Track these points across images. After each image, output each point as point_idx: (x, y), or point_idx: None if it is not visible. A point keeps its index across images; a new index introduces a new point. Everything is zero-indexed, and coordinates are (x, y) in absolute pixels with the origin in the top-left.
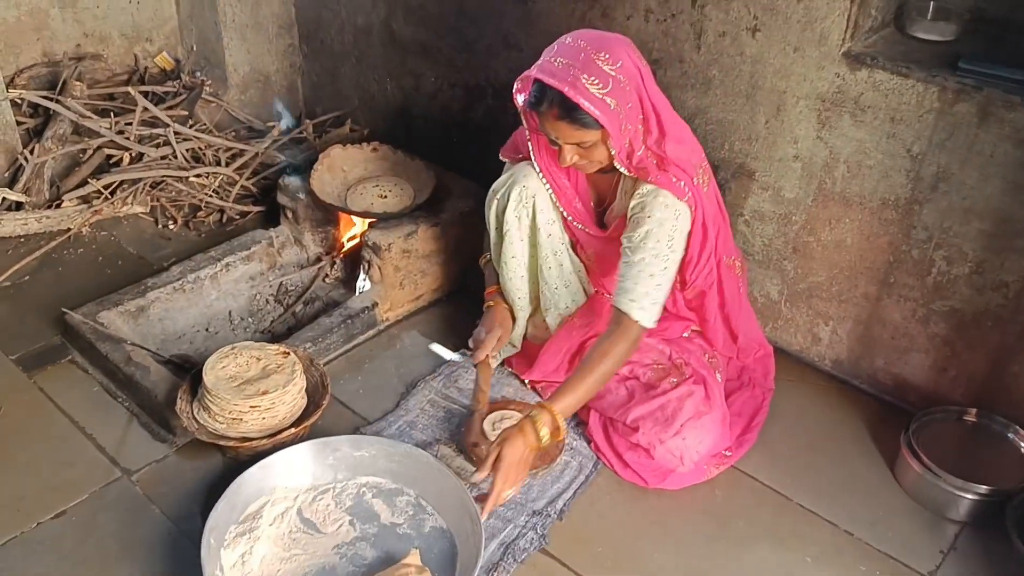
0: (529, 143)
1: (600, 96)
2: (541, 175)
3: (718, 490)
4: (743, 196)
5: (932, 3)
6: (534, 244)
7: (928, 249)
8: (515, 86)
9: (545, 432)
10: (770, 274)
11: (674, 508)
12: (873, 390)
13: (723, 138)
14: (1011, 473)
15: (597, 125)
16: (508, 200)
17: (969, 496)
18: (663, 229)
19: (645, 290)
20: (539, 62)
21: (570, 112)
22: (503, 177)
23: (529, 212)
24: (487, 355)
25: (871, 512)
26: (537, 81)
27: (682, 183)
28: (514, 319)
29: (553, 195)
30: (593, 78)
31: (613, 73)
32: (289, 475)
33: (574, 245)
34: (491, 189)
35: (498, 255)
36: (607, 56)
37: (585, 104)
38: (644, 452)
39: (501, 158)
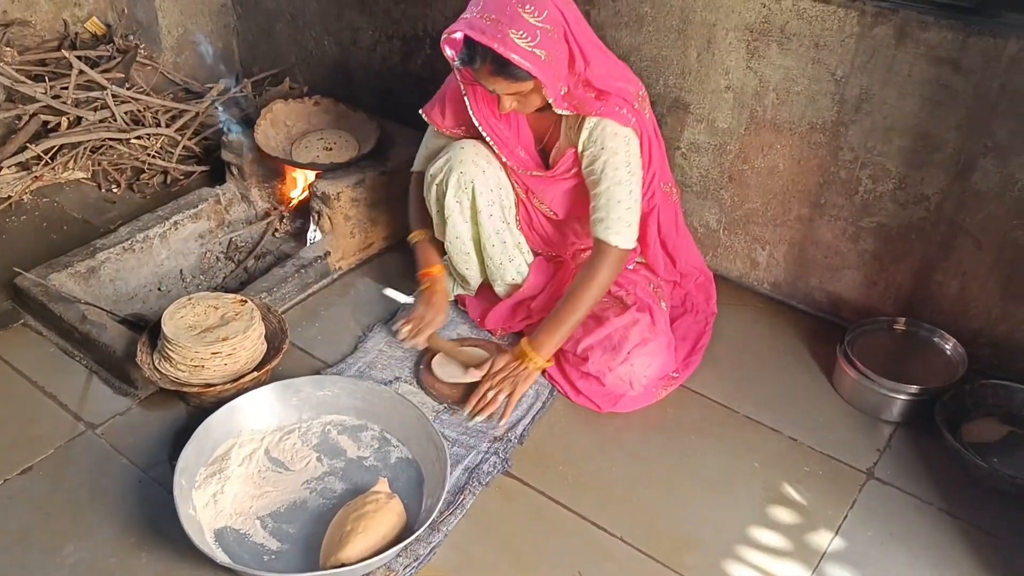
0: (465, 97)
1: (530, 49)
2: (482, 140)
3: (668, 408)
4: (679, 129)
5: None
6: (476, 224)
7: (855, 169)
8: (442, 38)
9: (540, 362)
10: (708, 204)
11: (627, 427)
12: (810, 308)
13: (657, 74)
14: (939, 374)
15: (530, 76)
16: (447, 187)
17: (901, 397)
18: (618, 156)
19: (617, 215)
20: (467, 16)
21: (503, 67)
22: (440, 162)
23: (469, 196)
24: (429, 335)
25: (812, 419)
26: (467, 38)
27: (624, 110)
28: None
29: (497, 148)
30: (522, 31)
31: (540, 24)
32: (254, 417)
33: (516, 203)
34: (429, 171)
35: (442, 234)
36: (532, 8)
37: (516, 59)
38: (595, 380)
39: (423, 115)
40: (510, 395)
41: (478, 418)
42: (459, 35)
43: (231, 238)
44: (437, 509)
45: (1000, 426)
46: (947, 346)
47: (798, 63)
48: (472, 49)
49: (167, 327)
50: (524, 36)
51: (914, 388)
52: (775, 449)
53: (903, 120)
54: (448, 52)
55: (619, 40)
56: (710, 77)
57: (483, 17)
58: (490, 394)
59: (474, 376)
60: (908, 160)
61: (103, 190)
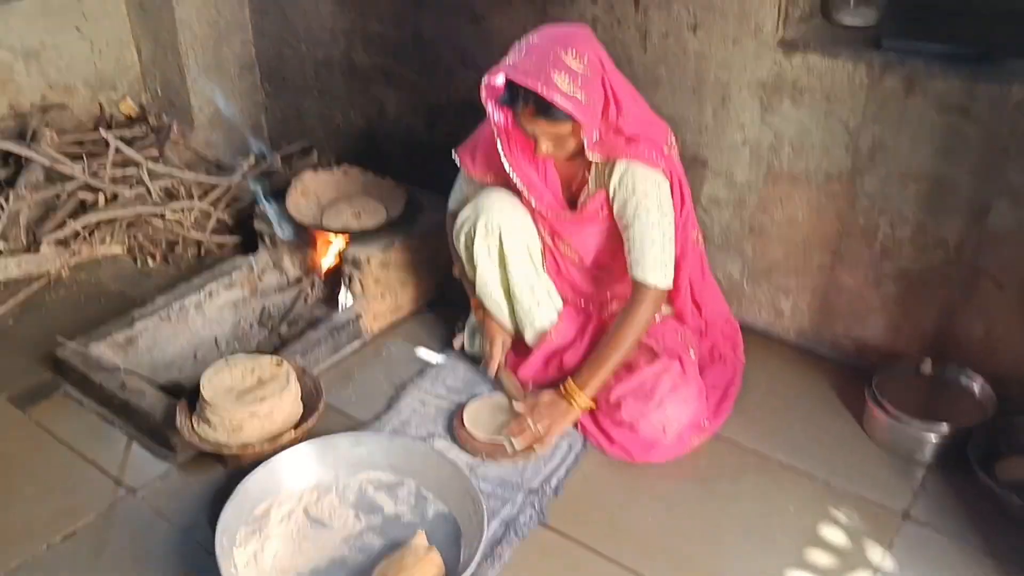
0: (498, 141)
1: (571, 92)
2: (508, 187)
3: (702, 457)
4: (699, 184)
5: None
6: (504, 269)
7: (873, 216)
8: (484, 80)
9: (584, 402)
10: (731, 256)
11: (661, 477)
12: (836, 355)
13: (675, 132)
14: (969, 413)
15: (570, 118)
16: (475, 233)
17: (934, 437)
18: (649, 199)
19: (653, 255)
20: (510, 61)
21: (545, 109)
22: (467, 209)
23: (496, 242)
24: (499, 363)
25: (845, 462)
26: (509, 81)
27: (653, 154)
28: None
29: (526, 191)
30: (564, 75)
31: (581, 69)
32: (292, 476)
33: (543, 251)
34: (458, 219)
35: (472, 279)
36: (574, 52)
37: (559, 101)
38: (629, 428)
39: (455, 158)
40: (549, 428)
41: (516, 442)
42: (501, 80)
43: (264, 305)
44: (475, 561)
45: None
46: (975, 386)
47: (811, 116)
48: (515, 91)
49: (206, 390)
50: (566, 79)
51: (945, 428)
52: (810, 493)
53: (917, 167)
54: (487, 91)
55: None
56: (726, 133)
57: (527, 60)
58: (531, 424)
59: (514, 414)
60: (925, 205)
61: (139, 263)
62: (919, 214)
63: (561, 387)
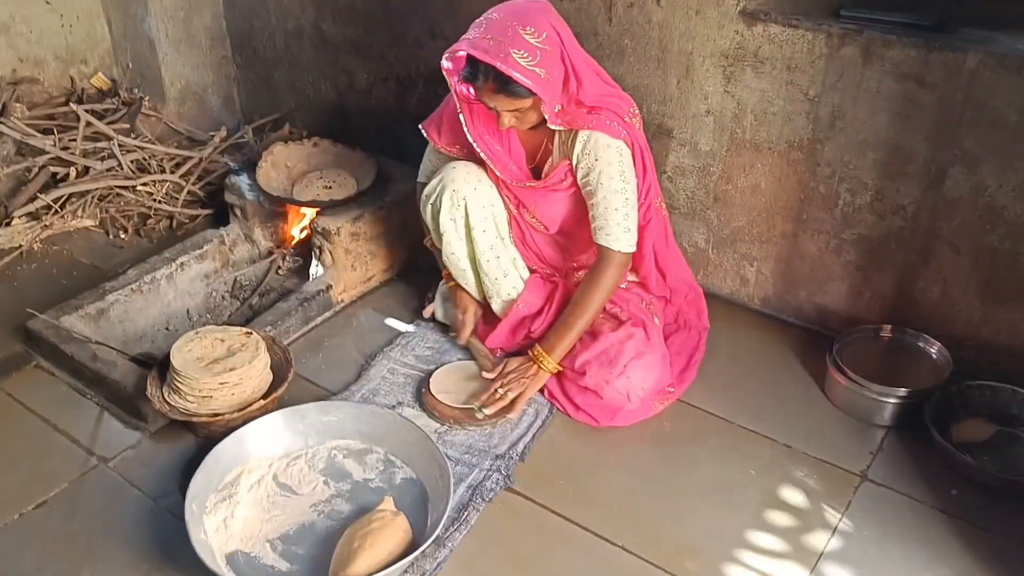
0: (460, 115)
1: (530, 68)
2: (474, 160)
3: (665, 421)
4: (664, 154)
5: None
6: (470, 240)
7: (833, 183)
8: (444, 56)
9: (551, 365)
10: (696, 224)
11: (625, 440)
12: (799, 321)
13: (640, 102)
14: (926, 377)
15: (530, 94)
16: (441, 205)
17: (891, 400)
18: (612, 167)
19: (616, 221)
20: (470, 36)
21: (505, 85)
22: (433, 182)
23: (463, 212)
24: (471, 331)
25: (806, 426)
26: (470, 56)
27: (614, 123)
28: None
29: (490, 162)
30: (523, 51)
31: (540, 44)
32: (262, 444)
33: (509, 220)
34: (423, 193)
35: (439, 250)
36: (532, 29)
37: (517, 76)
38: (593, 394)
39: (422, 129)
40: (520, 394)
41: (487, 411)
42: (462, 54)
43: (236, 277)
44: (441, 524)
45: (987, 425)
46: (932, 350)
47: (772, 85)
48: (475, 67)
49: (176, 359)
50: (525, 55)
51: (903, 391)
52: (771, 456)
53: (875, 135)
54: (446, 65)
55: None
56: (690, 103)
57: (486, 37)
58: (500, 391)
59: (483, 380)
60: (883, 172)
61: (111, 236)
62: (878, 181)
63: (529, 352)
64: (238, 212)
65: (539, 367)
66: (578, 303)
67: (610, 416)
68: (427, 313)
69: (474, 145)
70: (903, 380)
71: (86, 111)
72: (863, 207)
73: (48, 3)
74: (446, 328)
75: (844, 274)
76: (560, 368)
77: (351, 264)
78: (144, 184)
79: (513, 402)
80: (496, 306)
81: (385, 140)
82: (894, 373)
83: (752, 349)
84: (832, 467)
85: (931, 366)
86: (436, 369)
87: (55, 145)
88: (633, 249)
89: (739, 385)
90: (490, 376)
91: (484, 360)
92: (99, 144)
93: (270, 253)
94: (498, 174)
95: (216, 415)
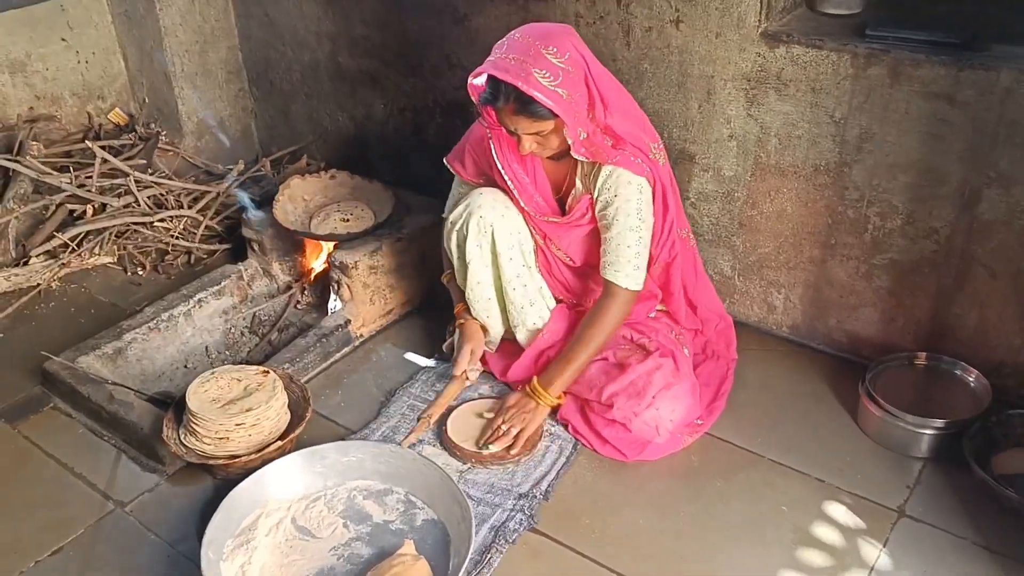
0: (491, 142)
1: (552, 88)
2: (504, 179)
3: (694, 456)
4: (687, 179)
5: None
6: (497, 267)
7: (862, 207)
8: (470, 78)
9: (550, 400)
10: (721, 251)
11: (653, 476)
12: (830, 349)
13: (661, 127)
14: (963, 406)
15: (551, 115)
16: (467, 231)
17: (928, 432)
18: (630, 204)
19: (626, 258)
20: (491, 58)
21: (526, 106)
22: (459, 208)
23: (489, 240)
24: (464, 370)
25: (839, 459)
26: (491, 77)
27: (638, 160)
28: (485, 331)
29: (516, 192)
30: (544, 71)
31: (562, 65)
32: (280, 486)
33: (536, 250)
34: (448, 220)
35: (463, 280)
36: (555, 49)
37: (539, 97)
38: (621, 427)
39: (447, 164)
40: (521, 430)
41: (492, 447)
42: (483, 79)
43: (254, 312)
44: (463, 568)
45: None
46: (970, 378)
47: (797, 108)
48: (496, 88)
49: (191, 401)
50: (547, 75)
51: (940, 422)
52: (803, 491)
53: (905, 156)
54: (476, 83)
55: None
56: (712, 127)
57: (507, 57)
58: (503, 428)
59: (485, 416)
60: (914, 195)
61: (129, 273)
62: (909, 204)
63: (526, 386)
64: (256, 247)
65: (538, 402)
66: (580, 338)
67: (638, 450)
68: (447, 348)
69: (502, 172)
70: (940, 410)
71: (102, 147)
72: (894, 231)
73: (64, 40)
74: None
75: (876, 300)
76: (560, 402)
77: (370, 298)
78: (161, 220)
79: (517, 437)
80: (521, 336)
81: (403, 171)
82: (931, 402)
83: (782, 378)
84: (868, 502)
85: (969, 395)
86: (455, 408)
87: (72, 183)
88: (639, 287)
89: (769, 417)
90: (490, 415)
91: (437, 401)
92: (116, 181)
93: (288, 287)
94: (523, 205)
95: (233, 457)
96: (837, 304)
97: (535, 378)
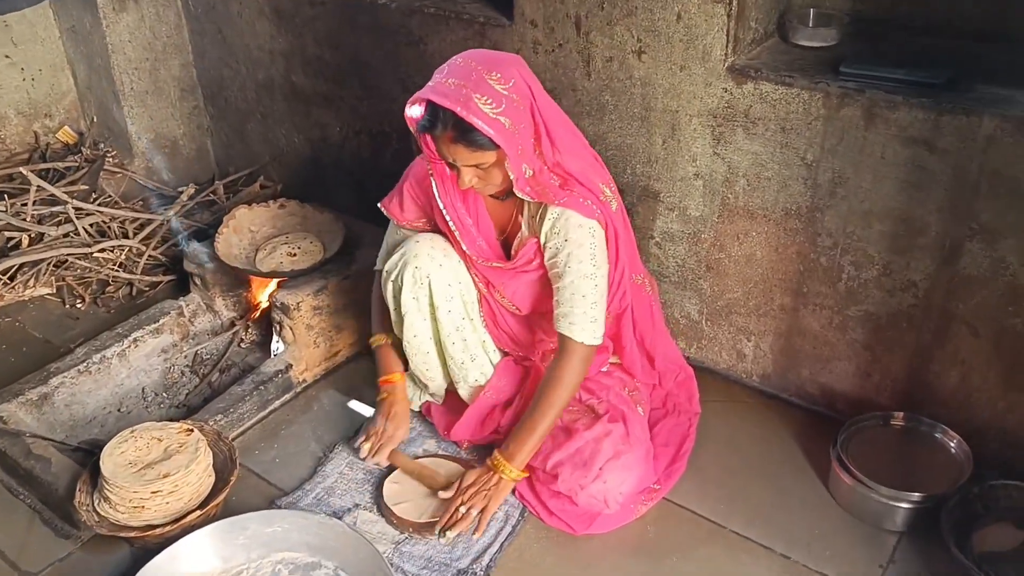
0: (432, 178)
1: (494, 116)
2: (446, 220)
3: (649, 526)
4: (651, 218)
5: (812, 10)
6: (435, 320)
7: (835, 255)
8: (407, 108)
9: (514, 474)
10: (688, 294)
11: (604, 551)
12: (802, 401)
13: (624, 162)
14: (943, 476)
15: (493, 146)
16: (402, 282)
17: (903, 505)
18: (583, 250)
19: (582, 310)
20: (431, 83)
21: (465, 134)
22: (395, 257)
23: (426, 291)
24: (390, 450)
25: (807, 531)
26: (430, 103)
27: (588, 202)
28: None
29: (458, 235)
30: (486, 97)
31: (505, 92)
32: (197, 561)
33: (479, 299)
34: (384, 270)
35: (400, 332)
36: (499, 76)
37: (479, 124)
38: (567, 499)
39: (382, 208)
40: (483, 510)
41: (450, 534)
42: (421, 105)
43: (196, 351)
44: None
45: (1016, 531)
46: (951, 443)
47: (766, 148)
48: (434, 114)
49: (105, 465)
50: (488, 102)
51: (916, 496)
52: (767, 569)
53: (881, 204)
54: (411, 114)
55: (583, 129)
56: (677, 164)
57: (447, 82)
58: (462, 510)
59: (442, 497)
60: (891, 245)
61: (67, 306)
62: (885, 254)
63: (488, 460)
64: (198, 280)
65: (501, 476)
66: (539, 403)
67: (587, 523)
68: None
69: (444, 212)
70: (917, 477)
71: (45, 170)
72: (869, 282)
73: (8, 57)
74: (416, 414)
75: (850, 353)
76: (525, 475)
77: (313, 340)
78: (101, 251)
79: (480, 519)
80: (463, 392)
81: (360, 196)
82: (908, 469)
83: (749, 434)
84: None
85: (949, 461)
86: (393, 471)
87: (6, 211)
88: (599, 342)
89: (734, 480)
90: (447, 495)
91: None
92: (55, 208)
93: (232, 325)
94: (465, 249)
95: (149, 527)
96: (810, 355)
97: (496, 451)
